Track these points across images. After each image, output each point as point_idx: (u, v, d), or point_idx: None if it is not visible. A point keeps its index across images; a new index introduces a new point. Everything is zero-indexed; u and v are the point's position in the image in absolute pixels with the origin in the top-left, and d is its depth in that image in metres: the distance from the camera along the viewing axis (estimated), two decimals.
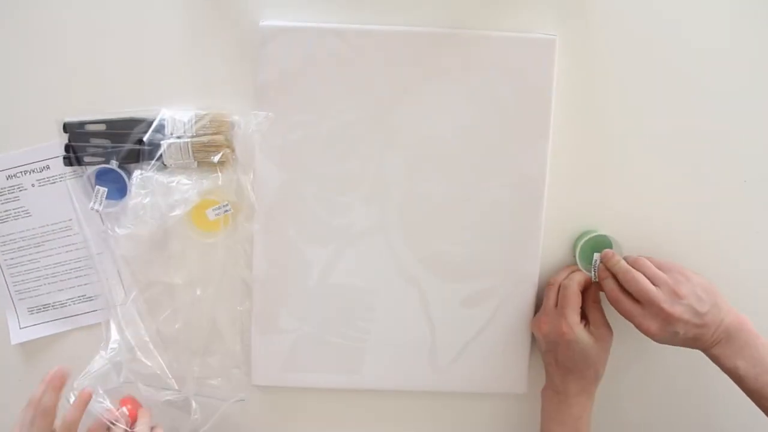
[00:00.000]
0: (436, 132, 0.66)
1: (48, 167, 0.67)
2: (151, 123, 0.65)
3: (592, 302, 0.67)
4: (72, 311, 0.70)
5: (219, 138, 0.65)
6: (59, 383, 0.57)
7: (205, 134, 0.65)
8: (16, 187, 0.67)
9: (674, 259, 0.69)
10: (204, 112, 0.65)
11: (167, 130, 0.64)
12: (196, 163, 0.65)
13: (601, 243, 0.69)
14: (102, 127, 0.66)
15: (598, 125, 0.68)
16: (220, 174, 0.65)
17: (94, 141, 0.66)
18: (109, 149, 0.66)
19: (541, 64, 0.65)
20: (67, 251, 0.69)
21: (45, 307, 0.70)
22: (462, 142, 0.66)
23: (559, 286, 0.67)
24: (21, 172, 0.67)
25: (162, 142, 0.64)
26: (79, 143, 0.66)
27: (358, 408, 0.73)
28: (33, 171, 0.67)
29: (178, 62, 0.66)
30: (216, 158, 0.64)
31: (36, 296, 0.69)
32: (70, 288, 0.69)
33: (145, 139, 0.65)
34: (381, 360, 0.71)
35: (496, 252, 0.69)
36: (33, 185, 0.68)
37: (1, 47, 0.66)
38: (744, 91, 0.68)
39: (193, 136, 0.64)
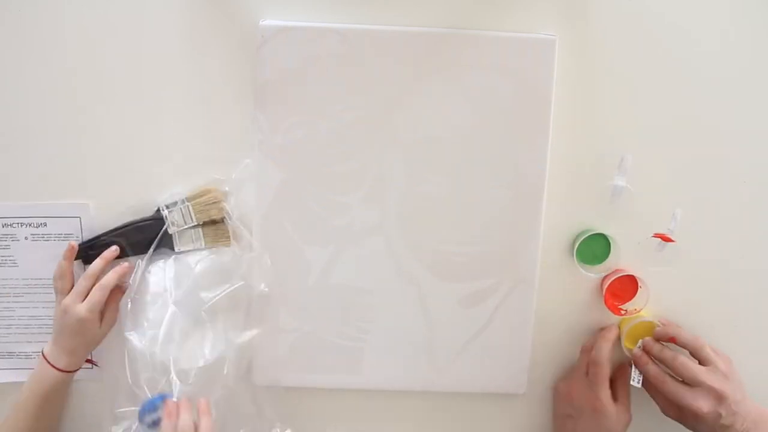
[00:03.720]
0: (436, 132, 0.66)
1: (45, 225, 0.68)
2: (150, 220, 0.67)
3: (623, 383, 0.69)
4: (35, 364, 0.70)
5: (214, 192, 0.67)
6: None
7: (200, 195, 0.67)
8: (9, 236, 0.69)
9: (673, 259, 0.69)
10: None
11: (167, 216, 0.67)
12: (201, 226, 0.67)
13: (598, 242, 0.69)
14: (108, 239, 0.68)
15: (598, 125, 0.68)
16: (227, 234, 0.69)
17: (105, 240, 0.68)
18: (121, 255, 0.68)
19: (541, 64, 0.65)
20: (44, 307, 0.70)
21: (9, 355, 0.71)
22: (462, 142, 0.66)
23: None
24: (18, 223, 0.68)
25: (166, 226, 0.67)
26: (91, 254, 0.68)
27: (358, 408, 0.73)
28: (30, 225, 0.69)
29: (177, 61, 0.66)
30: (216, 209, 0.67)
31: (3, 342, 0.71)
32: (39, 342, 0.71)
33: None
34: (380, 360, 0.71)
35: (495, 252, 0.69)
36: (26, 238, 0.69)
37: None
38: (744, 91, 0.68)
39: (189, 199, 0.67)
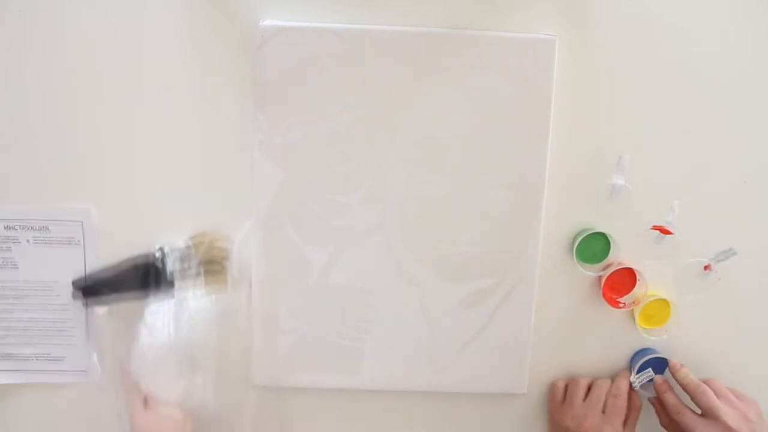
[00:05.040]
0: (436, 132, 0.66)
1: (47, 228, 0.68)
2: (151, 257, 0.67)
3: (635, 416, 0.70)
4: (33, 366, 0.71)
5: (215, 233, 0.68)
6: None
7: (202, 235, 0.68)
8: (11, 239, 0.69)
9: (671, 258, 0.69)
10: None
11: (168, 254, 0.67)
12: (202, 266, 0.67)
13: (598, 240, 0.69)
14: (109, 273, 0.68)
15: (597, 125, 0.68)
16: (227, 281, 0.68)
17: (104, 277, 0.68)
18: (122, 292, 0.68)
19: (541, 64, 0.65)
20: (43, 310, 0.70)
21: (7, 357, 0.71)
22: (462, 143, 0.66)
23: (589, 387, 0.71)
24: (20, 226, 0.68)
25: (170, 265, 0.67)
26: (92, 294, 0.69)
27: (358, 408, 0.73)
28: (32, 228, 0.68)
29: (177, 62, 0.66)
30: (217, 249, 0.68)
31: (1, 345, 0.71)
32: (37, 344, 0.71)
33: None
34: (380, 360, 0.71)
35: (495, 252, 0.69)
36: (28, 241, 0.69)
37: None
38: (744, 91, 0.68)
39: (191, 238, 0.68)
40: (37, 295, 0.70)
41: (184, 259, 0.67)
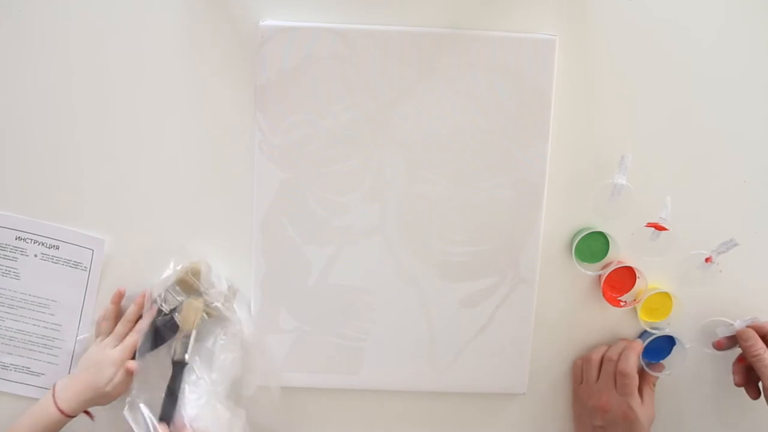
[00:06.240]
0: (436, 132, 0.66)
1: (57, 248, 0.69)
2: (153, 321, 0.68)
3: (646, 383, 0.70)
4: (10, 376, 0.71)
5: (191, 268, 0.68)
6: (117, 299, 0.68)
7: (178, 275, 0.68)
8: (18, 250, 0.69)
9: (669, 254, 0.69)
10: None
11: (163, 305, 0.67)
12: (183, 296, 0.67)
13: (596, 240, 0.69)
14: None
15: (597, 125, 0.68)
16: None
17: None
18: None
19: (541, 64, 0.65)
20: (33, 324, 0.70)
21: None
22: (462, 142, 0.66)
23: (593, 362, 0.71)
24: (31, 239, 0.69)
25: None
26: None
27: (358, 408, 0.73)
28: (42, 244, 0.69)
29: (177, 62, 0.66)
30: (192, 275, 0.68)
31: None
32: (19, 356, 0.71)
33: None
34: (380, 360, 0.71)
35: (495, 252, 0.69)
36: (36, 255, 0.69)
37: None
38: (744, 90, 0.68)
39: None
40: (31, 309, 0.70)
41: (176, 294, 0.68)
